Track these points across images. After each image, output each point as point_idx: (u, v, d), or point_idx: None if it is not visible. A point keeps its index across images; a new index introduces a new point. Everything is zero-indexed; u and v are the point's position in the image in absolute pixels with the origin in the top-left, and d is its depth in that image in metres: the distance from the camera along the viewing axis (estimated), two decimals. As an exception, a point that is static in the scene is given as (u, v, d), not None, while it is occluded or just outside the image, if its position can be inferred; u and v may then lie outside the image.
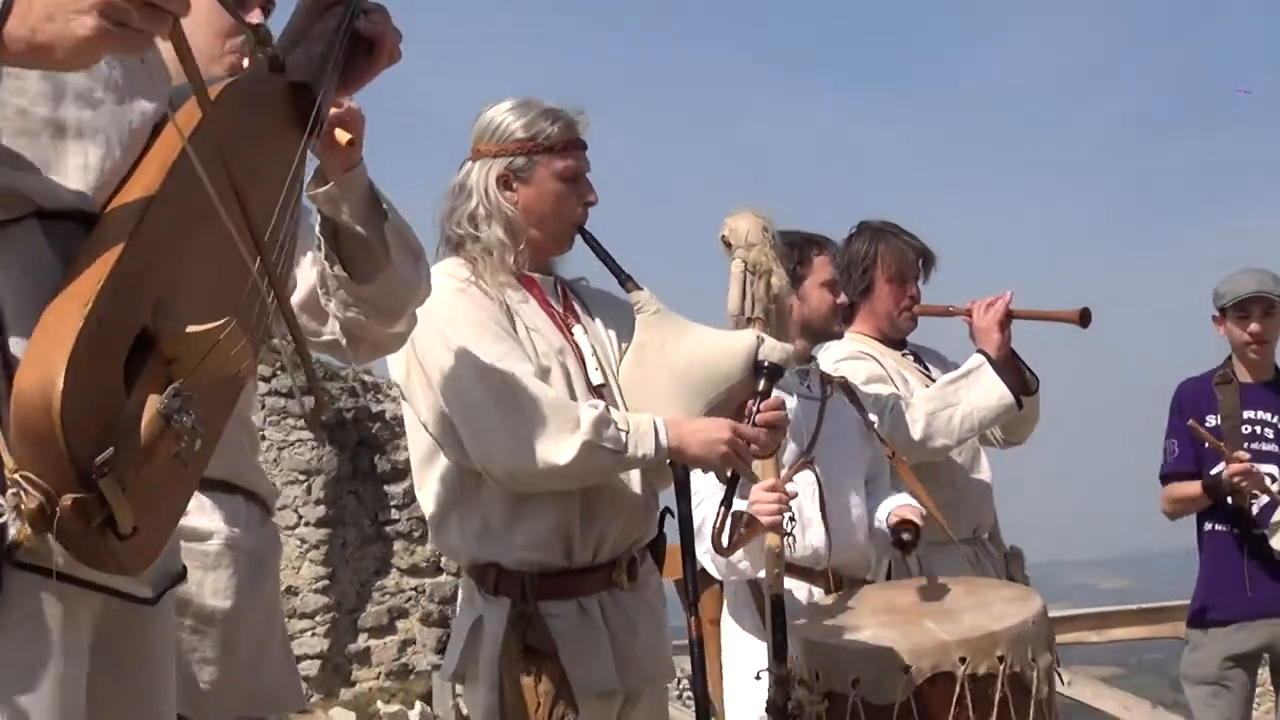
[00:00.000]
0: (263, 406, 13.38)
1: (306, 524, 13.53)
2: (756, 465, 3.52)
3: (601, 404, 3.14)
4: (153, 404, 1.59)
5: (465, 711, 3.60)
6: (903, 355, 4.84)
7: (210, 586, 2.85)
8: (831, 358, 4.62)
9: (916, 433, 4.41)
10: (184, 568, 2.10)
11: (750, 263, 3.47)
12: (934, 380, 4.75)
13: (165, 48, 1.87)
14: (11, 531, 1.55)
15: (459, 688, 3.47)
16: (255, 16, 2.77)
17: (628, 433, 3.07)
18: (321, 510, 13.35)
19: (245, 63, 2.73)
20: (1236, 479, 5.06)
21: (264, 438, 13.90)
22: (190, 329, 1.66)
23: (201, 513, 2.81)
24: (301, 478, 13.58)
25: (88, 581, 1.73)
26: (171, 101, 1.90)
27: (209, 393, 1.73)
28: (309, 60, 2.17)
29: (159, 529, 1.74)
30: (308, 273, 2.57)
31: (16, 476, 1.53)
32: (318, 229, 2.56)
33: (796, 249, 4.29)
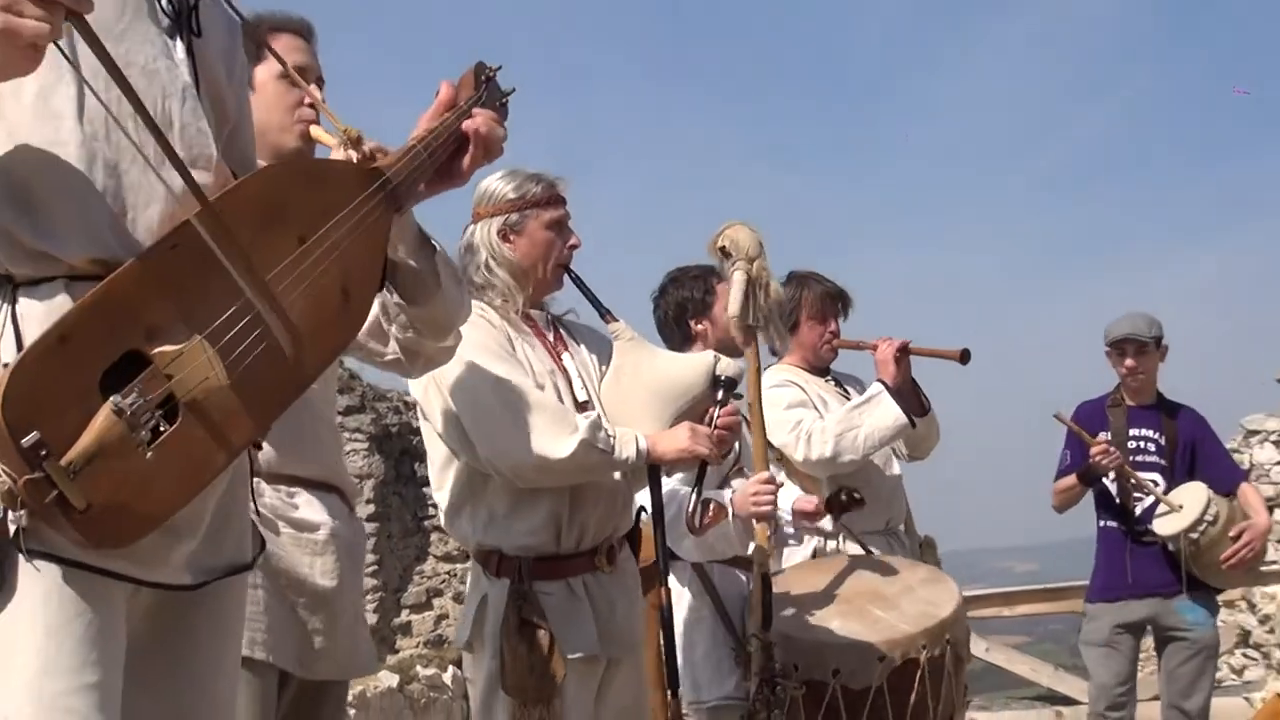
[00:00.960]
0: None
1: (361, 518, 14.26)
2: (754, 484, 3.73)
3: (595, 413, 3.37)
4: (106, 405, 1.69)
5: (469, 676, 3.75)
6: (825, 381, 5.11)
7: (319, 569, 3.08)
8: (764, 384, 4.72)
9: (828, 451, 4.62)
10: (253, 556, 2.18)
11: (754, 274, 3.66)
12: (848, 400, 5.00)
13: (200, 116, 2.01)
14: (12, 519, 1.68)
15: (466, 656, 3.65)
16: (315, 90, 2.94)
17: (615, 438, 3.30)
18: (371, 508, 13.91)
19: (312, 130, 2.95)
20: (1097, 458, 5.58)
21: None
22: (159, 349, 1.77)
23: (310, 507, 3.04)
24: (355, 480, 14.28)
25: (111, 571, 1.83)
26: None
27: (216, 403, 1.83)
28: (399, 154, 2.26)
29: (144, 510, 1.79)
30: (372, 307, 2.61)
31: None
32: None
33: (702, 279, 4.58)
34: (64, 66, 1.88)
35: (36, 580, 1.76)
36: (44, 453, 1.64)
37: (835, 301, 5.11)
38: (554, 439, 3.25)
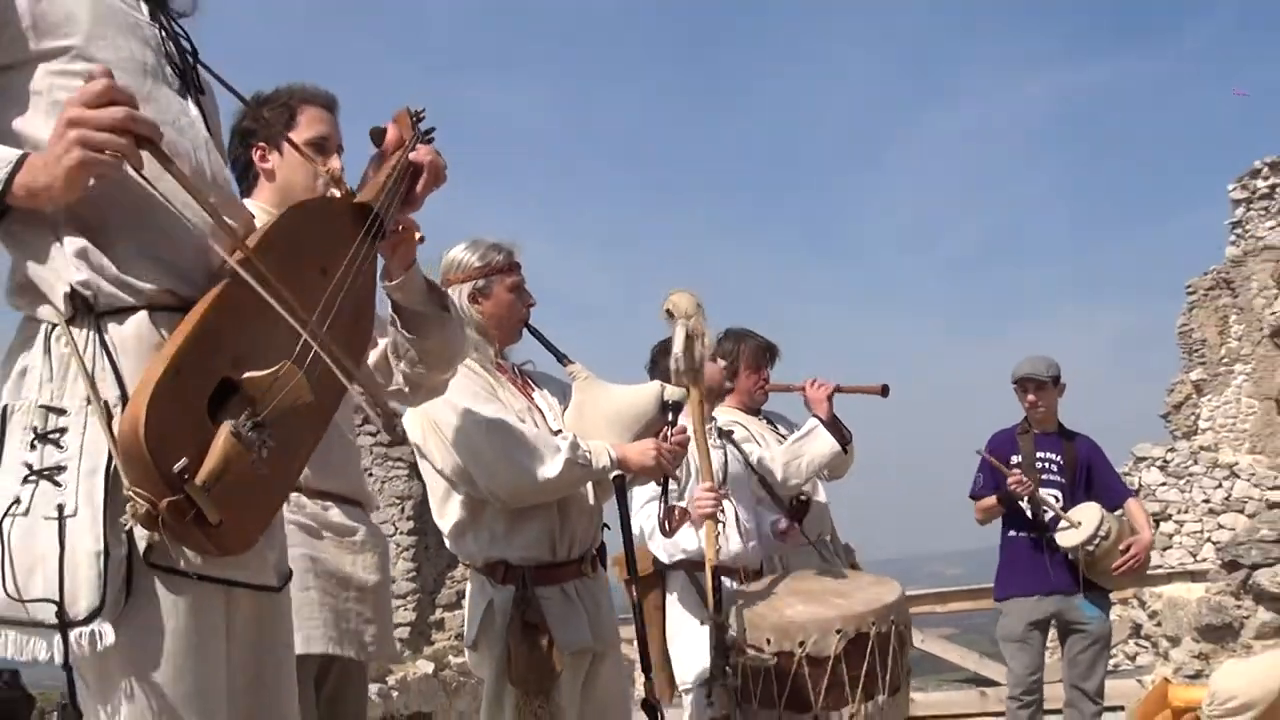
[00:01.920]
0: (370, 454, 14.29)
1: (401, 533, 14.59)
2: (693, 468, 3.83)
3: (571, 434, 3.35)
4: (225, 428, 1.61)
5: (475, 671, 3.73)
6: (759, 419, 5.16)
7: (362, 565, 3.06)
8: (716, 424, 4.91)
9: (779, 476, 4.73)
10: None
11: (691, 329, 3.68)
12: (782, 436, 5.08)
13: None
14: (139, 533, 1.60)
15: (470, 654, 3.63)
16: (335, 160, 2.91)
17: (590, 453, 3.31)
18: (411, 524, 14.07)
19: (330, 193, 2.85)
20: (1013, 486, 5.67)
21: (370, 474, 14.57)
22: (249, 375, 1.68)
23: (345, 515, 2.99)
24: (398, 501, 14.63)
25: (217, 578, 1.74)
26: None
27: (290, 420, 1.72)
28: (375, 188, 2.17)
29: (254, 519, 1.74)
30: (379, 344, 2.61)
31: (129, 491, 1.56)
32: (390, 309, 2.62)
33: None
34: None
35: (163, 593, 1.68)
36: (186, 476, 1.57)
37: (766, 353, 5.18)
38: (543, 462, 3.24)
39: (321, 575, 2.95)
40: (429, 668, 11.31)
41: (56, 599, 1.59)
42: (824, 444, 4.77)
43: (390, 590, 3.25)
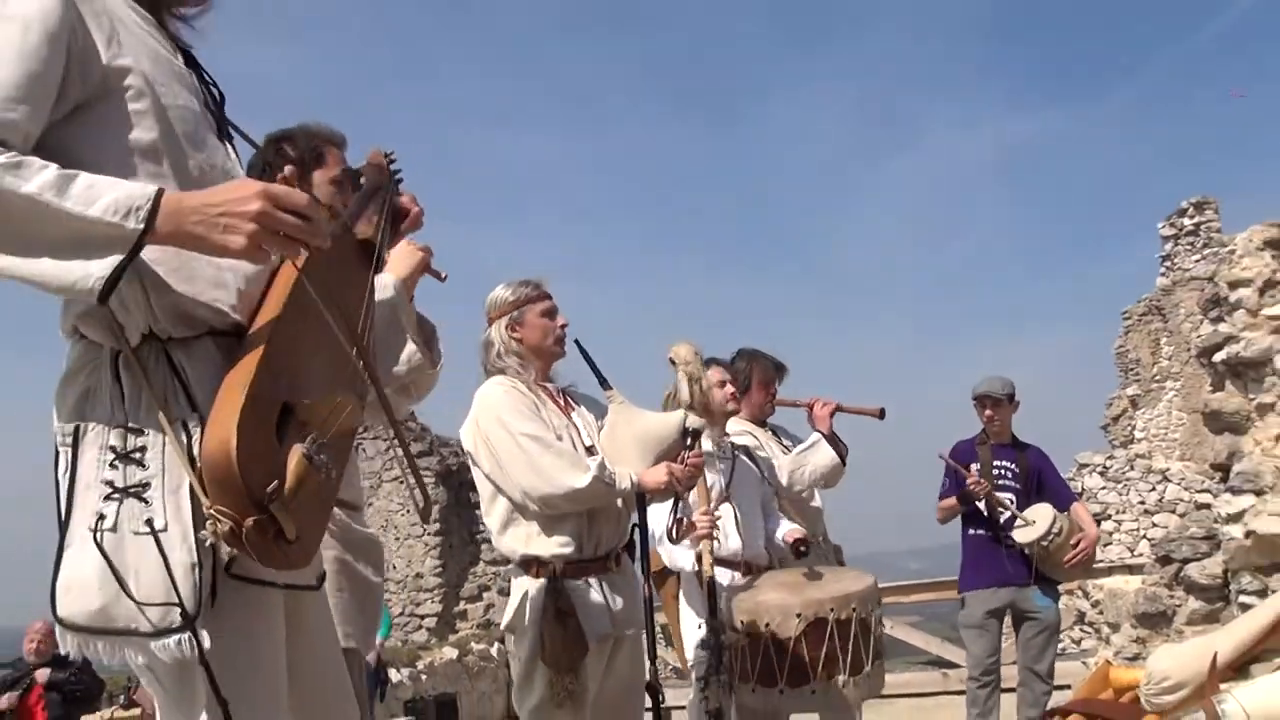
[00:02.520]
0: (402, 463, 14.26)
1: (429, 534, 14.71)
2: (694, 497, 3.83)
3: (600, 456, 3.39)
4: (297, 451, 1.56)
5: (511, 652, 3.74)
6: (766, 431, 5.14)
7: (369, 570, 3.12)
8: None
9: (785, 481, 4.76)
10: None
11: (690, 374, 3.76)
12: (787, 446, 5.09)
13: None
14: (222, 550, 1.54)
15: (510, 637, 3.65)
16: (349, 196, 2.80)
17: (615, 474, 3.35)
18: (438, 525, 14.09)
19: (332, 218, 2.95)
20: (971, 487, 5.70)
21: (400, 481, 14.63)
22: (312, 402, 1.64)
23: (354, 521, 3.02)
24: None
25: (283, 584, 1.71)
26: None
27: (334, 442, 1.67)
28: (372, 227, 2.10)
29: (314, 535, 1.69)
30: None
31: (212, 511, 1.49)
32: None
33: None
34: (178, 160, 1.71)
35: (241, 600, 1.63)
36: (273, 497, 1.51)
37: (775, 371, 5.18)
38: (574, 475, 3.29)
39: (349, 578, 2.97)
40: (454, 653, 11.35)
41: (170, 602, 1.54)
42: (825, 456, 4.79)
43: (383, 587, 3.22)
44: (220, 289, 1.69)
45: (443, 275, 2.46)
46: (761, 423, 5.15)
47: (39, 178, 1.48)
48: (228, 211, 1.54)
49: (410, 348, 2.43)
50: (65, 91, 1.59)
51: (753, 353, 5.14)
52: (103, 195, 1.49)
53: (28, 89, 1.53)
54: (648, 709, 3.54)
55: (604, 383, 3.66)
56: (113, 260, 1.49)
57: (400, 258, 2.27)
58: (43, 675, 7.38)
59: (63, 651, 1.62)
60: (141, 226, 1.50)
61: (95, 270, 1.48)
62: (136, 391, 1.60)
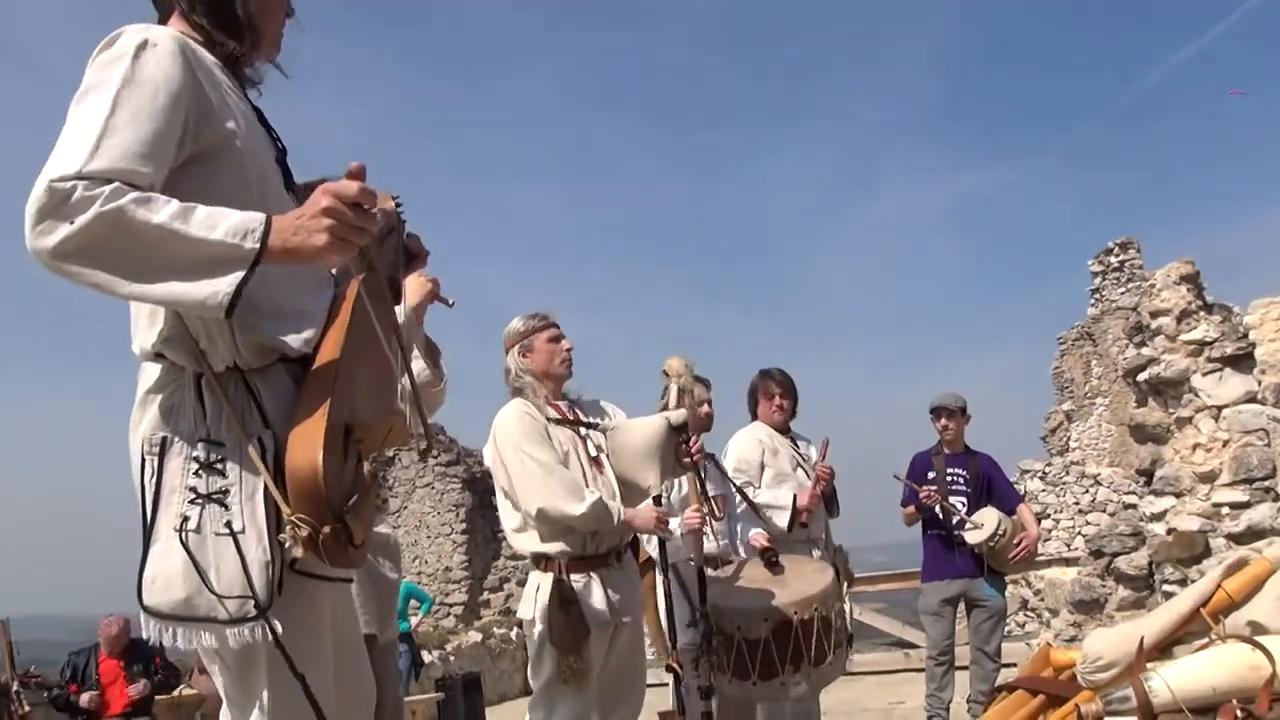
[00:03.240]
0: (433, 471, 14.64)
1: (456, 532, 14.70)
2: (690, 511, 3.77)
3: (599, 494, 3.33)
4: (367, 469, 1.60)
5: (527, 634, 3.72)
6: (784, 436, 4.92)
7: (386, 566, 3.09)
8: (739, 434, 4.87)
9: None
10: None
11: (682, 385, 3.73)
12: (799, 451, 4.89)
13: None
14: (296, 551, 1.55)
15: (525, 623, 3.62)
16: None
17: (608, 509, 3.31)
18: (464, 525, 14.03)
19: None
20: (925, 499, 5.71)
21: (432, 487, 14.58)
22: (370, 423, 1.66)
23: (380, 522, 3.11)
24: (455, 508, 14.56)
25: (334, 577, 1.72)
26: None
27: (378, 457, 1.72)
28: (391, 266, 2.00)
29: (369, 540, 1.70)
30: None
31: (293, 518, 1.52)
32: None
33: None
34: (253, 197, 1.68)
35: (302, 594, 1.64)
36: (350, 509, 1.55)
37: (776, 384, 4.95)
38: (571, 503, 3.27)
39: (369, 575, 2.96)
40: (478, 637, 11.32)
41: (245, 595, 1.55)
42: (781, 521, 4.56)
43: (399, 582, 3.20)
44: (303, 319, 1.70)
45: (450, 301, 2.43)
46: (784, 429, 4.94)
47: (166, 209, 1.50)
48: (307, 218, 1.55)
49: (419, 365, 2.42)
50: (181, 146, 1.61)
51: (764, 371, 5.03)
52: (221, 222, 1.52)
53: (155, 145, 1.55)
54: (656, 685, 3.50)
55: (595, 425, 3.59)
56: (236, 277, 1.50)
57: (411, 288, 2.26)
58: (136, 690, 6.96)
59: (144, 636, 1.61)
60: (258, 245, 1.51)
61: (222, 287, 1.50)
62: (218, 410, 1.61)
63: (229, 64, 1.77)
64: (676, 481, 4.07)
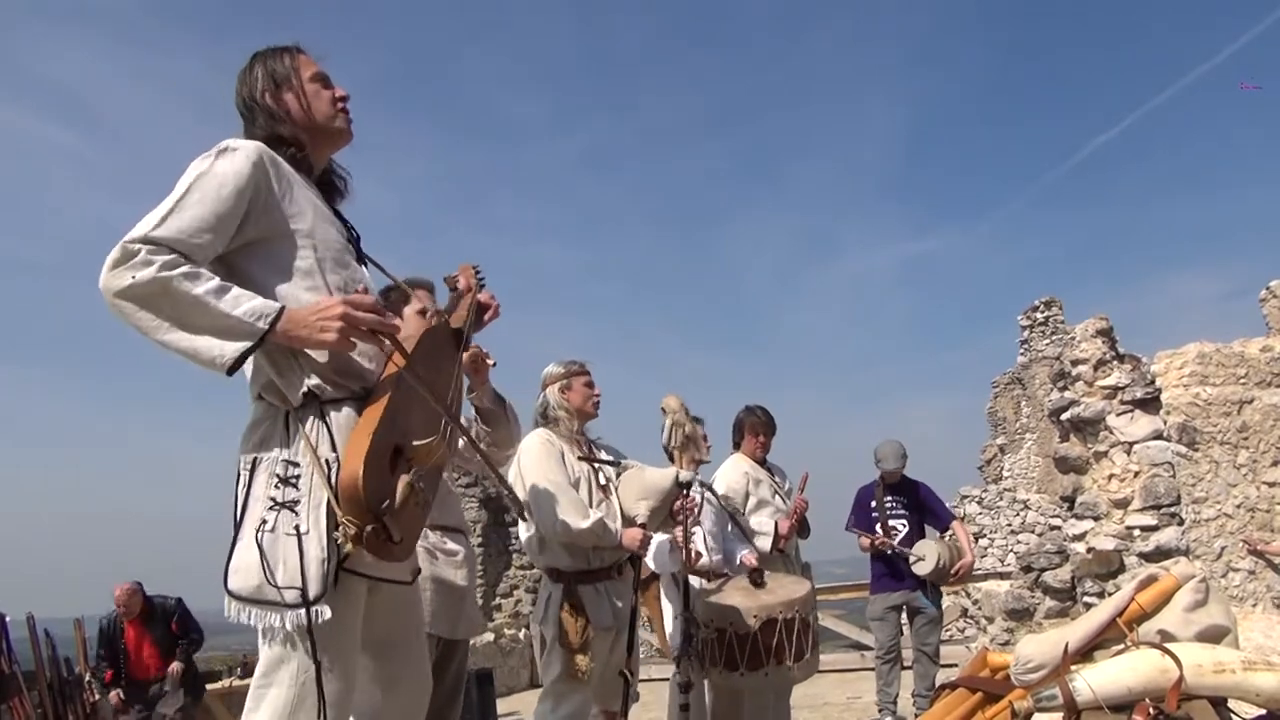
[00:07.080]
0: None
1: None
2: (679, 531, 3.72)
3: (601, 514, 3.32)
4: (404, 479, 1.69)
5: (535, 636, 3.71)
6: (762, 468, 4.84)
7: (458, 576, 3.08)
8: (726, 465, 4.81)
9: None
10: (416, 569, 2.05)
11: (676, 420, 3.67)
12: (777, 482, 4.81)
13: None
14: (347, 548, 1.64)
15: (536, 625, 3.59)
16: (429, 302, 2.88)
17: (607, 527, 3.30)
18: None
19: (431, 320, 2.84)
20: (879, 545, 5.77)
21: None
22: (417, 443, 1.76)
23: (452, 541, 3.07)
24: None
25: (378, 577, 1.79)
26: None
27: (429, 473, 1.80)
28: (460, 318, 2.16)
29: (412, 539, 1.78)
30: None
31: (344, 520, 1.63)
32: (473, 411, 2.69)
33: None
34: (325, 276, 1.82)
35: (353, 589, 1.74)
36: (386, 510, 1.63)
37: (760, 423, 4.87)
38: (577, 519, 3.26)
39: (437, 581, 2.99)
40: (491, 637, 11.18)
41: (300, 586, 1.64)
42: (764, 544, 4.52)
43: (475, 591, 3.25)
44: (354, 370, 1.82)
45: (492, 361, 2.57)
46: (761, 462, 4.88)
47: (205, 285, 1.64)
48: (321, 317, 1.69)
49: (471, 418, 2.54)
50: (243, 229, 1.75)
51: (749, 408, 4.94)
52: (245, 303, 1.66)
53: (214, 224, 1.70)
54: (660, 681, 3.43)
55: (615, 464, 3.60)
56: (241, 346, 1.64)
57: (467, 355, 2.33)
58: (175, 669, 6.77)
59: (226, 614, 1.70)
60: (266, 327, 1.65)
61: (229, 352, 1.63)
62: (298, 438, 1.74)
63: (295, 165, 1.89)
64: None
